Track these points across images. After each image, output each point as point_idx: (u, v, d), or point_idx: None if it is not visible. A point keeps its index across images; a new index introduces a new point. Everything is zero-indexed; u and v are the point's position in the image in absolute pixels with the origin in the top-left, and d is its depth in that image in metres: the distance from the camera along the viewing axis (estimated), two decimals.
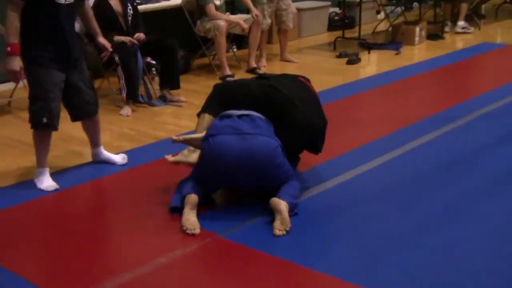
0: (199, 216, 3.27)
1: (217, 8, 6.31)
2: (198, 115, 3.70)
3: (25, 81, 3.81)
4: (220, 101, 3.62)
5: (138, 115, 5.29)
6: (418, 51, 7.77)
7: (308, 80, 3.90)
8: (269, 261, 2.92)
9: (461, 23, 8.68)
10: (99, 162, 4.13)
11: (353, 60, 7.09)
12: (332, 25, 8.98)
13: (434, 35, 8.34)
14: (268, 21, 6.84)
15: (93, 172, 4.02)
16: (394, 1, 9.32)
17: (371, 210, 3.42)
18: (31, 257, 3.05)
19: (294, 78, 3.83)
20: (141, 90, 5.46)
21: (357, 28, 8.07)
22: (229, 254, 3.01)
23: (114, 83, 5.60)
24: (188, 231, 3.14)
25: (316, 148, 3.68)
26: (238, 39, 7.53)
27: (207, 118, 3.60)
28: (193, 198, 3.28)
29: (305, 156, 3.79)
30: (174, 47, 5.53)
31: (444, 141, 4.46)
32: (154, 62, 6.33)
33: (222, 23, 6.18)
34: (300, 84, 3.77)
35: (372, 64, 7.25)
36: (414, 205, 3.47)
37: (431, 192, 3.62)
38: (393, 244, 3.04)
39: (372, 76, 6.57)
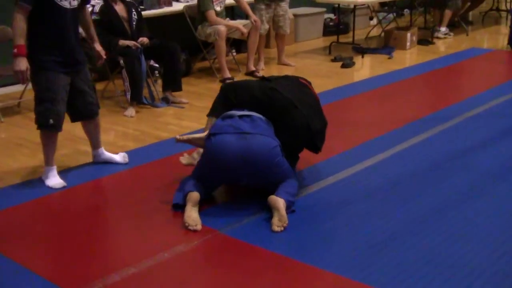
0: (200, 212, 3.26)
1: (217, 14, 6.30)
2: (208, 116, 3.69)
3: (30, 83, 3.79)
4: (224, 103, 3.61)
5: (141, 116, 5.28)
6: (410, 56, 7.76)
7: (309, 82, 3.90)
8: (268, 256, 2.91)
9: (443, 29, 8.73)
10: (100, 162, 4.10)
11: (347, 64, 7.09)
12: (327, 30, 8.98)
13: (424, 40, 8.34)
14: (266, 26, 6.83)
15: (99, 171, 4.01)
16: (386, 8, 9.33)
17: (366, 207, 3.41)
18: (39, 251, 3.04)
19: (295, 81, 3.82)
20: (145, 92, 5.45)
21: (351, 34, 8.06)
22: (229, 250, 3.00)
23: (119, 85, 5.59)
24: (190, 227, 3.14)
25: (316, 147, 3.67)
26: (237, 44, 7.52)
27: (215, 121, 3.60)
28: (195, 195, 3.27)
29: (303, 155, 3.78)
30: (176, 50, 5.52)
31: (435, 141, 4.45)
32: (157, 65, 6.34)
33: (222, 28, 6.18)
34: (301, 86, 3.76)
35: (366, 67, 7.24)
36: (408, 203, 3.45)
37: (425, 190, 3.61)
38: (389, 240, 3.03)
39: (366, 79, 6.56)
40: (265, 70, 6.80)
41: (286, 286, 2.71)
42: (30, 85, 4.48)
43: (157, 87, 5.82)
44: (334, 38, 8.22)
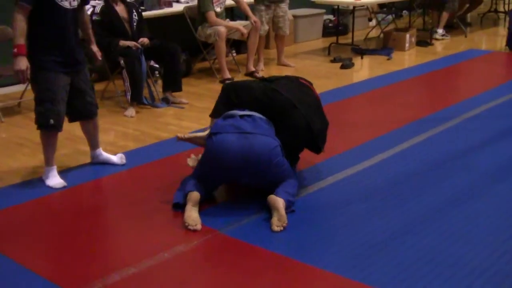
0: (200, 212, 3.24)
1: (217, 15, 6.29)
2: (211, 116, 3.68)
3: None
4: (226, 103, 3.60)
5: (142, 116, 5.26)
6: (408, 57, 7.75)
7: (310, 83, 3.88)
8: (268, 256, 2.89)
9: (440, 30, 8.73)
10: (98, 163, 4.06)
11: (346, 65, 7.07)
12: (327, 31, 8.96)
13: (423, 42, 8.32)
14: (266, 27, 6.82)
15: (99, 171, 3.99)
16: (385, 9, 9.32)
17: (366, 207, 3.39)
18: (40, 251, 3.02)
19: (296, 81, 3.80)
20: (145, 92, 5.43)
21: (350, 35, 8.05)
22: (229, 250, 2.98)
23: (119, 85, 5.58)
24: (190, 227, 3.12)
25: (318, 148, 3.65)
26: (237, 44, 7.51)
27: (216, 120, 3.58)
28: (195, 195, 3.26)
29: (303, 155, 3.76)
30: (177, 51, 5.50)
31: (435, 142, 4.43)
32: (157, 65, 6.33)
33: (222, 29, 6.16)
34: (302, 87, 3.74)
35: (365, 68, 7.23)
36: (409, 202, 3.43)
37: (425, 190, 3.59)
38: (389, 240, 3.01)
39: (365, 80, 6.54)
40: (265, 71, 6.78)
41: (286, 286, 2.69)
42: (30, 85, 4.47)
43: (157, 88, 5.80)
44: (333, 39, 8.21)
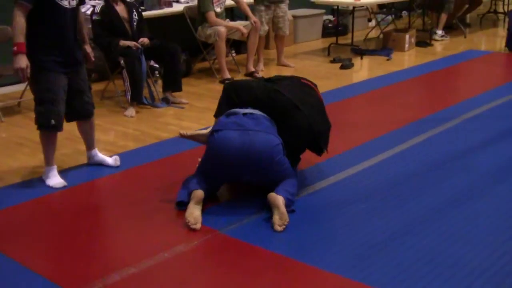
0: (202, 212, 3.23)
1: (217, 15, 6.29)
2: (215, 116, 3.68)
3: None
4: (228, 103, 3.60)
5: (142, 116, 5.26)
6: (408, 57, 7.75)
7: (315, 85, 3.88)
8: (268, 256, 2.89)
9: (439, 31, 8.73)
10: (94, 164, 4.05)
11: (346, 65, 7.07)
12: (326, 32, 8.96)
13: (422, 42, 8.32)
14: (266, 27, 6.82)
15: (99, 171, 3.98)
16: (385, 10, 9.32)
17: (366, 207, 3.39)
18: (40, 251, 3.01)
19: (300, 82, 3.80)
20: (145, 92, 5.43)
21: (350, 35, 8.05)
22: (229, 250, 2.98)
23: (119, 85, 5.57)
24: (190, 224, 3.10)
25: (319, 149, 3.65)
26: (237, 45, 7.50)
27: (219, 118, 3.58)
28: (199, 193, 3.25)
29: (303, 155, 3.75)
30: (177, 51, 5.50)
31: (435, 142, 4.43)
32: (157, 65, 6.32)
33: (222, 29, 6.16)
34: (305, 88, 3.74)
35: (364, 69, 7.23)
36: (408, 203, 3.43)
37: (425, 191, 3.59)
38: (389, 240, 3.01)
39: (365, 81, 6.54)
40: (265, 71, 6.78)
41: (286, 286, 2.69)
42: (29, 85, 4.47)
43: (157, 88, 5.80)
44: (333, 39, 8.21)
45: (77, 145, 4.43)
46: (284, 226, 3.10)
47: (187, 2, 6.86)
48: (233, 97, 3.58)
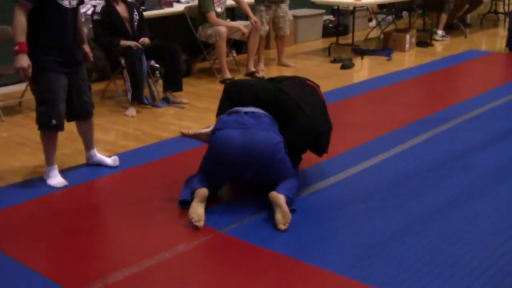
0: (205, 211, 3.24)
1: (218, 15, 6.29)
2: (217, 116, 3.68)
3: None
4: (228, 102, 3.61)
5: (142, 116, 5.26)
6: (408, 57, 7.75)
7: (318, 85, 3.88)
8: (269, 256, 2.89)
9: (440, 32, 8.74)
10: (92, 164, 4.04)
11: (346, 65, 7.07)
12: (327, 32, 8.97)
13: (423, 42, 8.33)
14: (266, 27, 6.83)
15: (100, 170, 3.99)
16: (385, 10, 9.32)
17: (367, 207, 3.39)
18: (41, 251, 3.02)
19: (303, 83, 3.80)
20: (146, 92, 5.43)
21: (350, 35, 8.06)
22: (230, 249, 2.98)
23: (120, 85, 5.58)
24: (193, 221, 3.10)
25: (320, 150, 3.66)
26: (238, 44, 7.51)
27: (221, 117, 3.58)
28: (203, 191, 3.26)
29: (304, 155, 3.75)
30: (177, 51, 5.51)
31: (435, 142, 4.44)
32: (158, 65, 6.33)
33: (223, 29, 6.16)
34: (308, 88, 3.74)
35: (365, 69, 7.23)
36: (408, 203, 3.44)
37: (425, 191, 3.60)
38: (389, 240, 3.02)
39: (365, 81, 6.55)
40: (265, 71, 6.79)
41: (287, 286, 2.69)
42: (29, 85, 4.47)
43: (158, 87, 5.81)
44: (333, 39, 8.21)
45: (78, 145, 4.42)
46: (287, 225, 3.10)
47: (188, 2, 6.86)
48: (233, 96, 3.59)
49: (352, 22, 7.95)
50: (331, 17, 9.25)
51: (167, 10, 6.58)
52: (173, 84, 5.59)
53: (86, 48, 3.93)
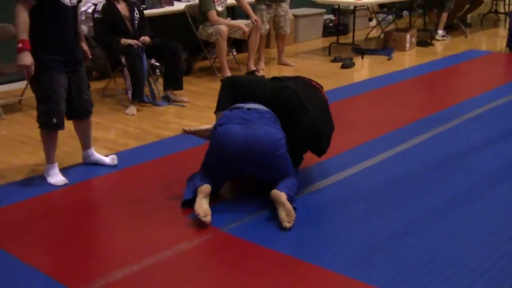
0: None
1: (218, 14, 6.30)
2: (216, 113, 3.69)
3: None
4: (231, 97, 3.61)
5: (143, 114, 5.27)
6: (409, 57, 7.76)
7: (321, 86, 3.89)
8: (270, 255, 2.90)
9: (440, 31, 8.75)
10: (90, 164, 4.04)
11: (347, 64, 7.08)
12: (327, 31, 8.97)
13: (423, 42, 8.34)
14: (267, 26, 6.83)
15: (100, 169, 3.99)
16: (386, 9, 9.33)
17: (367, 207, 3.40)
18: (42, 249, 3.03)
19: (306, 82, 3.81)
20: (146, 90, 5.44)
21: (350, 34, 8.06)
22: (231, 248, 2.99)
23: (120, 83, 5.59)
24: (200, 217, 3.10)
25: (321, 150, 3.66)
26: (238, 43, 7.52)
27: (223, 112, 3.58)
28: (206, 187, 3.26)
29: (304, 155, 3.78)
30: (178, 50, 5.51)
31: (435, 142, 4.44)
32: (158, 64, 6.34)
33: (223, 28, 6.17)
34: (311, 88, 3.75)
35: (365, 68, 7.24)
36: (408, 203, 3.45)
37: (425, 191, 3.61)
38: (389, 240, 3.02)
39: (365, 80, 6.56)
40: (265, 70, 6.79)
41: (288, 285, 2.70)
42: (29, 84, 4.47)
43: (158, 86, 5.82)
44: (333, 39, 8.22)
45: (78, 143, 4.41)
46: (292, 222, 3.10)
47: (188, 1, 6.87)
48: (234, 92, 3.59)
49: (353, 21, 7.96)
50: (331, 16, 9.26)
51: (167, 9, 6.59)
52: (173, 82, 5.60)
53: (84, 46, 3.94)
